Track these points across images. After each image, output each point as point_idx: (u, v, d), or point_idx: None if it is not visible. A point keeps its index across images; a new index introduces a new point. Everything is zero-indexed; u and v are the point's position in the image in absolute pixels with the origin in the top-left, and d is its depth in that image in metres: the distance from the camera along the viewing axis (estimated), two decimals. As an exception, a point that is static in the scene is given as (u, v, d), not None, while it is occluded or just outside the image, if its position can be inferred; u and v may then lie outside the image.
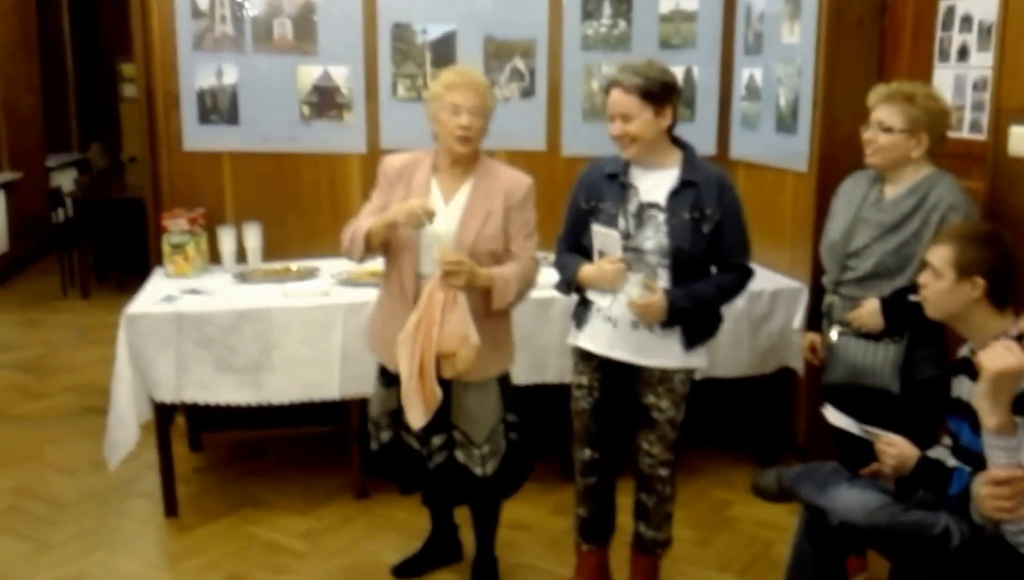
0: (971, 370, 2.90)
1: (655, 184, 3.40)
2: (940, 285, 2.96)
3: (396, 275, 3.52)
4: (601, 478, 3.65)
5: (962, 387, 2.99)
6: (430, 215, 3.32)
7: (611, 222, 3.38)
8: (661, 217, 3.36)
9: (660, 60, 3.43)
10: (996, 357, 2.54)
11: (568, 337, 3.63)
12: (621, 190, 3.41)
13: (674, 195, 3.37)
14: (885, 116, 3.47)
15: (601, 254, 3.37)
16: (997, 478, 2.52)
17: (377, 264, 3.74)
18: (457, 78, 3.45)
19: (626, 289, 3.34)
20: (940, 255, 2.98)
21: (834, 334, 3.64)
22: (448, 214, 3.47)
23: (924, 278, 3.02)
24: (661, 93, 3.32)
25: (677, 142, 3.47)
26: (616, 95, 3.34)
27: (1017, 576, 2.57)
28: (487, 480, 3.61)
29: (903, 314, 3.36)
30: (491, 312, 3.48)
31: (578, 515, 3.73)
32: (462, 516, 3.98)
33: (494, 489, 3.67)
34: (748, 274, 3.53)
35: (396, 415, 3.61)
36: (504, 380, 3.65)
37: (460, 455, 3.59)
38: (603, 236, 3.35)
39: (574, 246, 3.56)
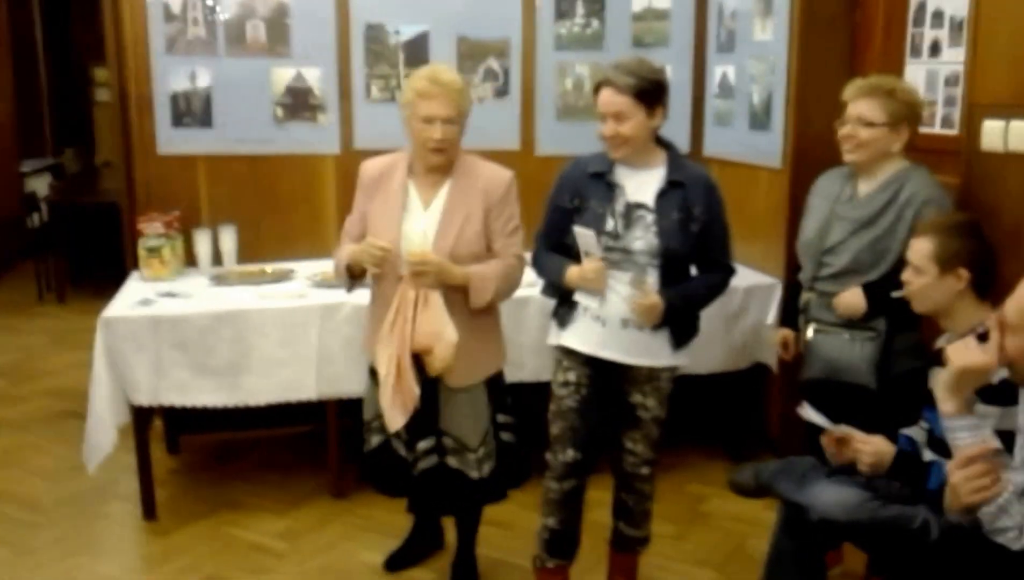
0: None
1: (641, 184, 3.39)
2: (924, 280, 3.01)
3: (379, 278, 3.50)
4: (579, 481, 3.60)
5: (938, 379, 3.02)
6: (383, 250, 3.32)
7: (598, 221, 3.36)
8: (650, 217, 3.35)
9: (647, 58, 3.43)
10: (964, 353, 2.56)
11: (549, 337, 3.60)
12: (607, 189, 3.39)
13: (662, 195, 3.36)
14: (866, 110, 3.48)
15: (587, 254, 3.34)
16: (968, 455, 2.52)
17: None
18: (430, 86, 3.35)
19: (620, 290, 3.33)
20: (920, 251, 3.03)
21: (810, 331, 3.66)
22: (427, 218, 3.45)
23: (907, 275, 3.06)
24: (654, 93, 3.30)
25: (660, 141, 3.46)
26: (608, 95, 3.29)
27: (995, 567, 2.58)
28: (484, 483, 3.59)
29: (884, 300, 3.38)
30: (473, 311, 3.46)
31: (546, 527, 3.63)
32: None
33: (490, 491, 3.65)
34: (731, 273, 3.56)
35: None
36: (494, 381, 3.62)
37: (453, 461, 3.57)
38: (583, 236, 3.32)
39: (555, 245, 3.52)
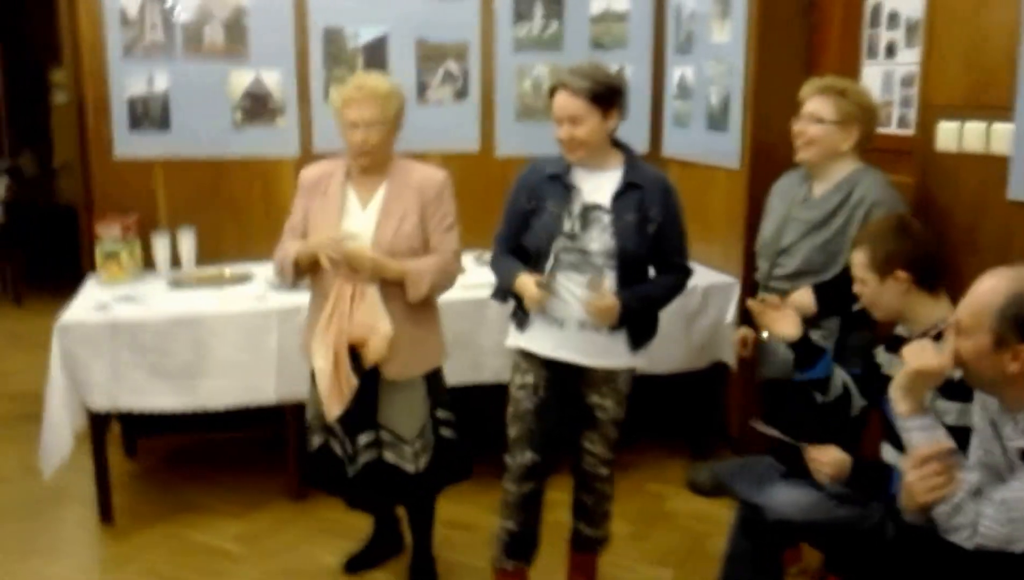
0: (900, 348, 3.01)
1: (598, 185, 3.41)
2: (868, 289, 3.05)
3: (319, 280, 3.58)
4: (538, 484, 3.62)
5: (893, 367, 3.05)
6: (343, 240, 3.42)
7: (555, 222, 3.38)
8: (606, 219, 3.37)
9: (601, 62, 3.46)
10: (919, 354, 2.58)
11: (507, 339, 3.62)
12: (564, 191, 3.41)
13: (618, 197, 3.38)
14: (817, 107, 3.54)
15: (548, 276, 3.36)
16: (922, 455, 2.54)
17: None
18: (353, 92, 3.47)
19: (578, 291, 3.35)
20: (857, 262, 3.08)
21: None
22: (365, 218, 3.54)
23: (856, 287, 3.10)
24: (608, 96, 3.33)
25: (616, 143, 3.49)
26: (563, 98, 3.32)
27: (949, 566, 2.61)
28: (420, 476, 3.64)
29: (835, 300, 3.41)
30: (412, 306, 3.53)
31: (505, 530, 3.64)
32: (403, 510, 4.00)
33: (427, 485, 3.71)
34: (688, 274, 3.59)
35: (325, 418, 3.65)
36: (433, 377, 3.68)
37: (390, 455, 3.63)
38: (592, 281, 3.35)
39: (513, 247, 3.56)
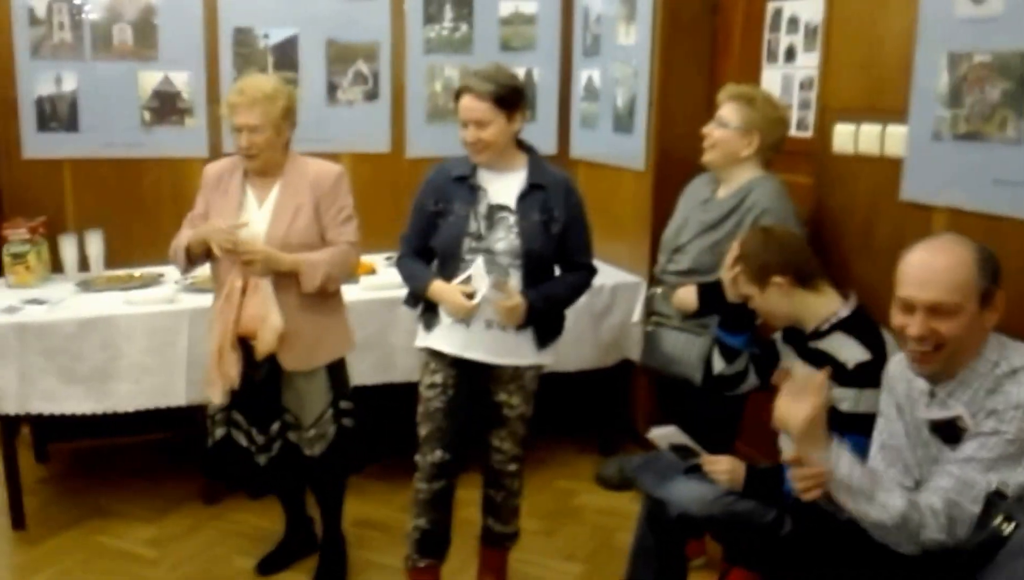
0: (797, 341, 3.16)
1: (503, 186, 3.46)
2: (757, 300, 3.17)
3: (219, 271, 3.65)
4: (449, 482, 3.64)
5: (790, 358, 3.21)
6: (235, 228, 3.49)
7: (462, 224, 3.44)
8: (512, 219, 3.43)
9: (505, 64, 3.53)
10: (791, 410, 2.57)
11: (416, 339, 3.66)
12: (470, 192, 3.46)
13: (523, 198, 3.44)
14: (725, 113, 3.64)
15: (467, 281, 3.41)
16: (791, 459, 2.61)
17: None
18: (235, 97, 3.54)
19: (485, 292, 3.37)
20: (740, 282, 3.20)
21: (650, 325, 3.83)
22: (260, 217, 3.60)
23: (750, 303, 3.22)
24: (512, 98, 3.38)
25: (521, 145, 3.54)
26: (468, 101, 3.37)
27: (843, 556, 2.69)
28: (315, 461, 3.72)
29: (717, 300, 3.48)
30: (313, 298, 3.59)
31: (417, 528, 3.66)
32: (316, 511, 4.04)
33: (323, 470, 3.78)
34: (593, 273, 3.65)
35: (229, 411, 3.72)
36: (335, 368, 3.74)
37: (292, 436, 3.73)
38: (478, 277, 3.39)
39: (420, 249, 3.61)
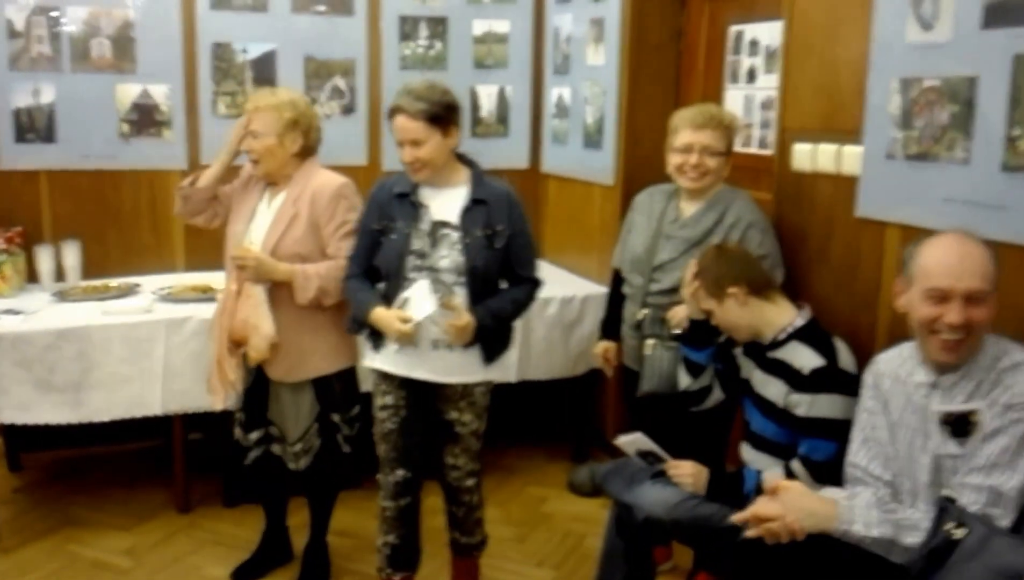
0: (757, 354, 3.24)
1: (445, 202, 3.45)
2: (718, 315, 3.26)
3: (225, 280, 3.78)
4: (413, 498, 3.66)
5: (750, 370, 3.29)
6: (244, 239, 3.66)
7: (405, 242, 3.41)
8: (455, 235, 3.41)
9: (440, 80, 3.52)
10: (767, 511, 2.70)
11: (364, 360, 3.65)
12: (412, 209, 3.44)
13: (466, 213, 3.43)
14: (712, 141, 3.64)
15: (405, 303, 3.41)
16: (746, 516, 2.74)
17: (198, 279, 4.05)
18: (249, 103, 3.75)
19: (429, 311, 3.37)
20: (700, 297, 3.30)
21: (649, 348, 3.77)
22: (263, 222, 3.70)
23: (712, 318, 3.30)
24: (446, 115, 3.37)
25: (463, 159, 3.54)
26: (402, 121, 3.35)
27: (806, 557, 2.75)
28: (300, 475, 3.79)
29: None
30: (306, 311, 3.64)
31: (387, 544, 3.68)
32: (294, 520, 4.11)
33: (308, 484, 3.87)
34: (537, 285, 3.64)
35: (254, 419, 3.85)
36: (324, 383, 3.75)
37: (276, 449, 3.80)
38: (421, 298, 3.39)
39: (366, 268, 3.58)
